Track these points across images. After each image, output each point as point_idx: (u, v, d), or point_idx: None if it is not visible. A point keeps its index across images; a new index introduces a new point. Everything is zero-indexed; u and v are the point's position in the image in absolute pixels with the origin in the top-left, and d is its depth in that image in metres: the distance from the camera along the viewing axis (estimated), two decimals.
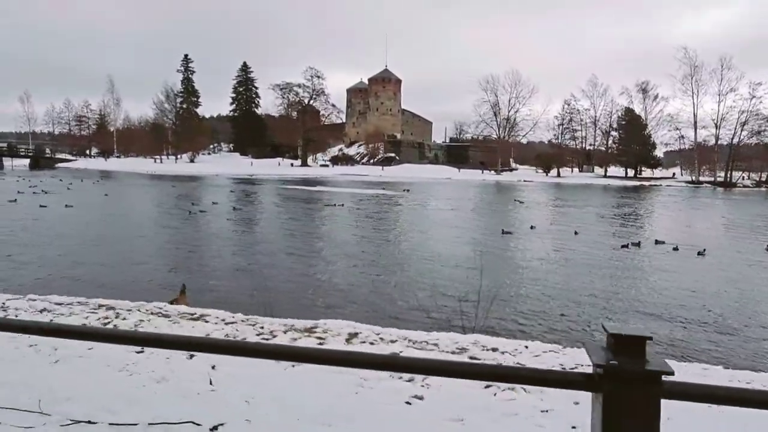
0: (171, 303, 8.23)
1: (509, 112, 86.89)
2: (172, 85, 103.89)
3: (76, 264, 12.70)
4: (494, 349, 4.98)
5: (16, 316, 5.70)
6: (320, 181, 59.63)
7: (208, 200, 30.18)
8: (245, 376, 3.86)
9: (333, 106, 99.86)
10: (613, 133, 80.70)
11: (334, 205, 26.59)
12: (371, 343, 5.11)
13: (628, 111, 77.43)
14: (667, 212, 31.86)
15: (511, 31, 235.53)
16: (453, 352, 4.86)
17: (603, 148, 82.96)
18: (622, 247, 17.07)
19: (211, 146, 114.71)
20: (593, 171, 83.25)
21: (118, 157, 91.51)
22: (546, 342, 5.86)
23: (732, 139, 71.24)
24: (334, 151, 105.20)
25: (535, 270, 13.31)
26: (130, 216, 22.42)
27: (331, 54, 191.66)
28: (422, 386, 3.84)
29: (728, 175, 68.27)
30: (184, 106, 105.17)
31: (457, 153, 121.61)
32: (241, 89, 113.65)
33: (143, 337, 2.22)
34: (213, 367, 4.02)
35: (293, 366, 4.04)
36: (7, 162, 74.03)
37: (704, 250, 16.35)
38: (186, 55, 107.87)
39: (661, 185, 65.31)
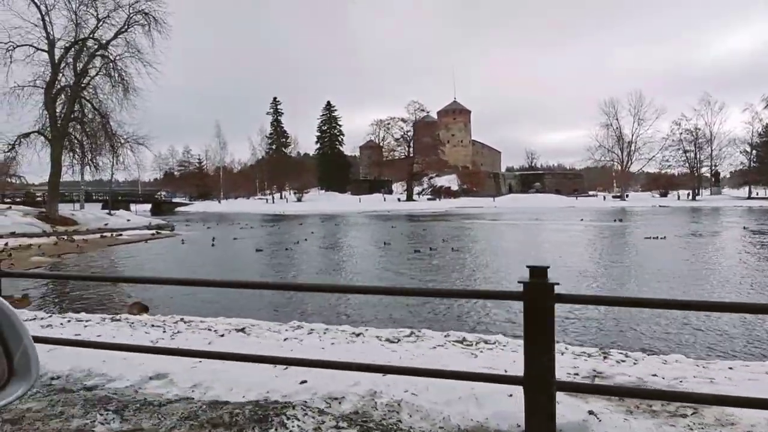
0: None
1: (632, 135, 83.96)
2: (263, 128, 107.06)
3: None
4: None
5: None
6: (465, 215, 58.07)
7: (431, 236, 28.70)
8: None
9: (436, 138, 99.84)
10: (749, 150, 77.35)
11: (657, 237, 24.81)
12: None
13: None
14: None
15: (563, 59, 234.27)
16: None
17: (734, 168, 79.71)
18: None
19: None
20: (721, 193, 79.77)
21: (226, 199, 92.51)
22: None
23: None
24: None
25: None
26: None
27: (396, 90, 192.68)
28: None
29: None
30: (273, 147, 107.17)
31: (532, 182, 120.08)
32: (325, 128, 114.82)
33: None
34: None
35: None
36: (133, 207, 75.34)
37: None
38: (275, 98, 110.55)
39: None
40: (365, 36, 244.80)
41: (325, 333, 5.72)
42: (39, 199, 59.92)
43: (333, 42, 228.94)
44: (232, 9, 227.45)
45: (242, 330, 5.86)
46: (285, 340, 5.29)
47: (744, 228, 31.00)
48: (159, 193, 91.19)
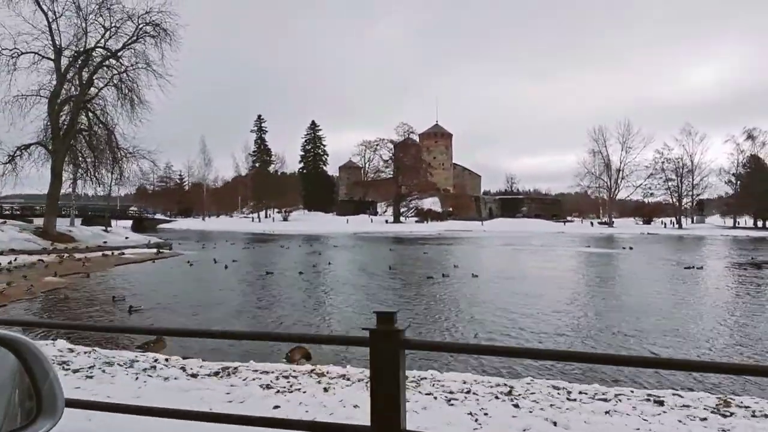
0: None
1: (620, 163, 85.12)
2: (247, 145, 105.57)
3: None
4: None
5: None
6: (458, 238, 57.57)
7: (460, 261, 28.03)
8: None
9: (422, 160, 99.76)
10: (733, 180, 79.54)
11: (694, 267, 24.52)
12: None
13: (754, 158, 76.31)
14: None
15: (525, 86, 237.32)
16: None
17: (714, 196, 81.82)
18: None
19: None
20: (704, 222, 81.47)
21: (208, 216, 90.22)
22: None
23: None
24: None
25: None
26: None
27: (377, 111, 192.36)
28: None
29: None
30: (257, 164, 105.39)
31: (512, 206, 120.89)
32: (309, 147, 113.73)
33: None
34: None
35: None
36: (113, 223, 72.54)
37: None
38: (259, 116, 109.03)
39: None
40: (347, 57, 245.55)
41: (568, 393, 4.84)
42: (17, 212, 56.87)
43: (314, 62, 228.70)
44: (217, 24, 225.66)
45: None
46: (554, 406, 4.40)
47: (752, 259, 31.03)
48: (131, 209, 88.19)
